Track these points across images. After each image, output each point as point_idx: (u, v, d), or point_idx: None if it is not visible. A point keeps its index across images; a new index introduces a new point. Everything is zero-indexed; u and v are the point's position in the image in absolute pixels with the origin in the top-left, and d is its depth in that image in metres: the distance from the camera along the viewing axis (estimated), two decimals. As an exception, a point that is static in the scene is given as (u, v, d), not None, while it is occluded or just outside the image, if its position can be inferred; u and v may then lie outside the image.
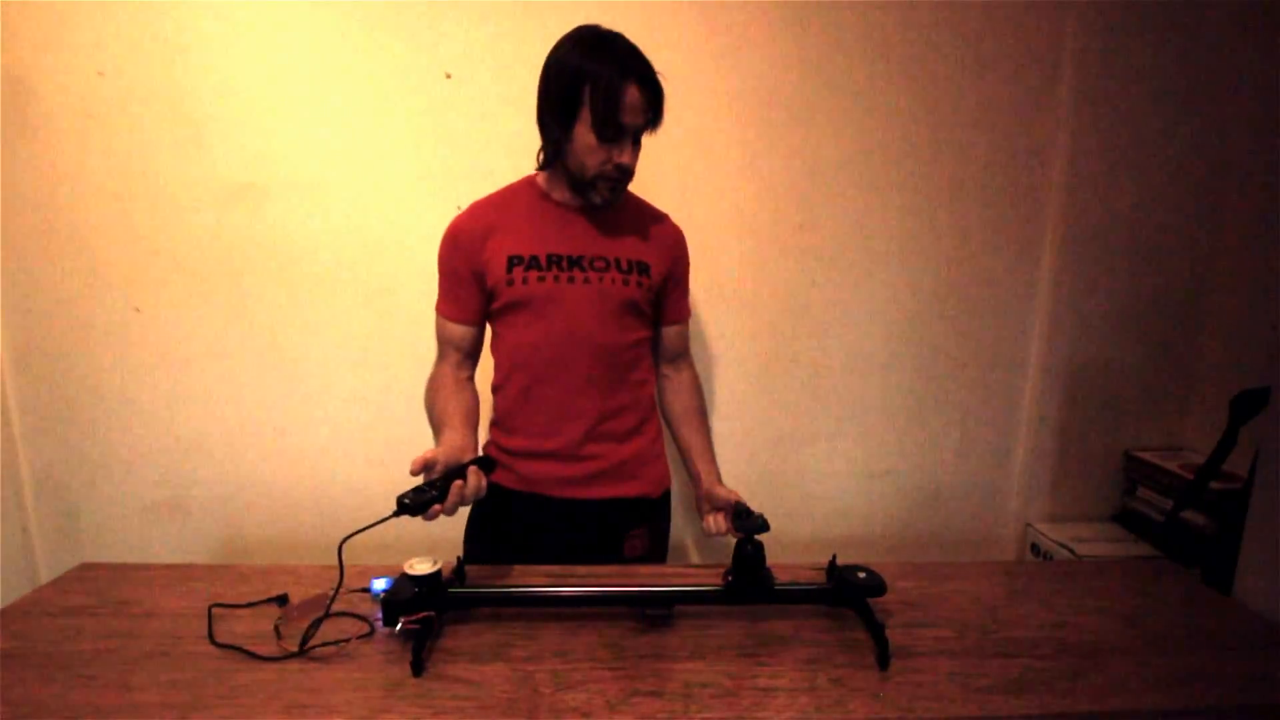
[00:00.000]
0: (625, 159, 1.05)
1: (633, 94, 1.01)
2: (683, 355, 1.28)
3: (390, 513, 0.84)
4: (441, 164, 1.58)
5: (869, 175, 1.65)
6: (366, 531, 0.85)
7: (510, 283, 1.10)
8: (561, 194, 1.13)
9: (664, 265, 1.18)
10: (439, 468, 0.90)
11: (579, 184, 1.09)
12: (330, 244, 1.61)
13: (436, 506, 0.87)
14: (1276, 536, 1.03)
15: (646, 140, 1.14)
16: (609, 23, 1.07)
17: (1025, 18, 1.59)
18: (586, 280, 1.10)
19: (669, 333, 1.24)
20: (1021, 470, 1.82)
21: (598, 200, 1.09)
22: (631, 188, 1.22)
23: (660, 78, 1.05)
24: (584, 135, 1.03)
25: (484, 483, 0.94)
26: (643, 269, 1.14)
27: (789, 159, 1.63)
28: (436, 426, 1.11)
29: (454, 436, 1.02)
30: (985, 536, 1.85)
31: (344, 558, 0.88)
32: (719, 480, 1.16)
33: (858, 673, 0.83)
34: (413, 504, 0.84)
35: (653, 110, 1.05)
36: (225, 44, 1.51)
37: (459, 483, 0.89)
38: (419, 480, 0.89)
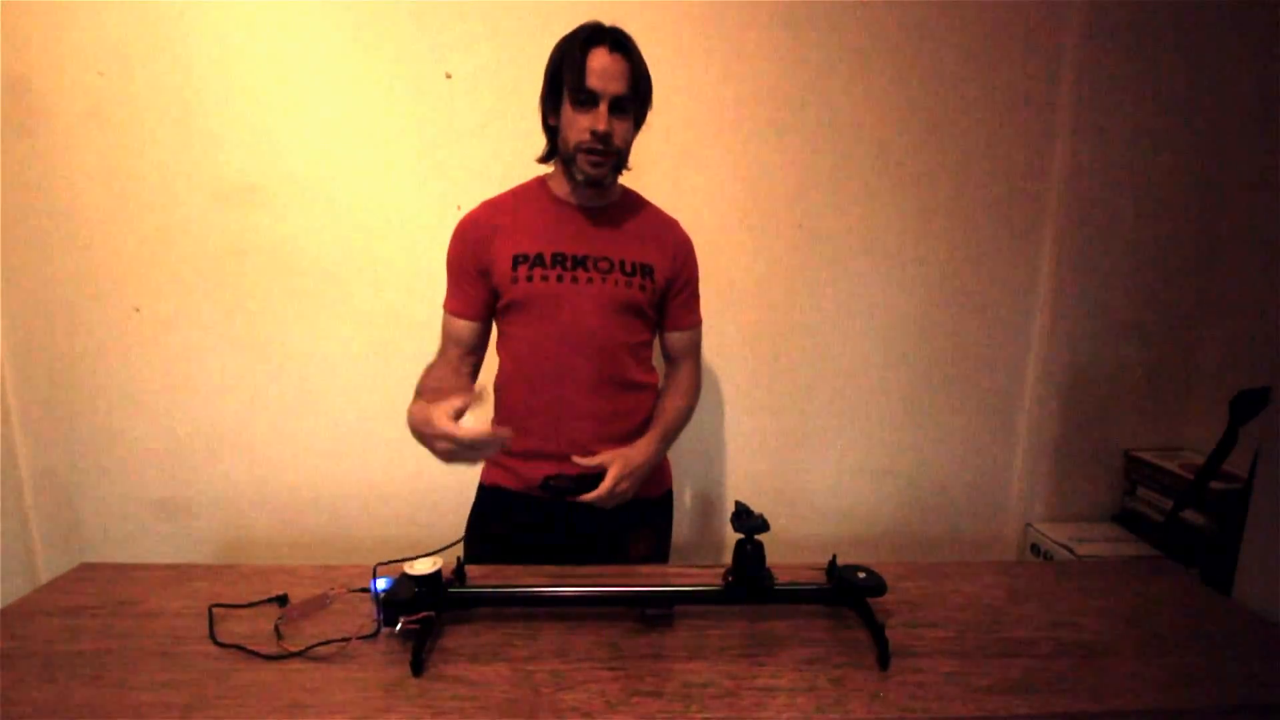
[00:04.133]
0: (600, 125, 1.03)
1: (599, 57, 1.02)
2: (683, 356, 1.26)
3: (542, 486, 1.02)
4: (441, 164, 1.58)
5: (869, 176, 1.65)
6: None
7: (515, 281, 1.10)
8: (568, 192, 1.14)
9: (668, 269, 1.17)
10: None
11: (568, 166, 1.09)
12: (330, 244, 1.61)
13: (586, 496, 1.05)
14: (1276, 536, 1.03)
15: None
16: (609, 23, 1.07)
17: (1025, 18, 1.59)
18: (590, 280, 1.10)
19: (671, 338, 1.24)
20: (1021, 470, 1.82)
21: (579, 177, 1.08)
22: (633, 188, 1.22)
23: (640, 54, 1.06)
24: (567, 111, 1.06)
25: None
26: (646, 271, 1.14)
27: (788, 160, 1.63)
28: (420, 391, 1.07)
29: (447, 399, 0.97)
30: (985, 536, 1.85)
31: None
32: (634, 452, 1.11)
33: (858, 673, 0.83)
34: (554, 488, 1.01)
35: (632, 80, 1.04)
36: (225, 44, 1.51)
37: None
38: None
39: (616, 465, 1.07)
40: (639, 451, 1.12)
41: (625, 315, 1.13)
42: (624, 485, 1.08)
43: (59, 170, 1.55)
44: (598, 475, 1.06)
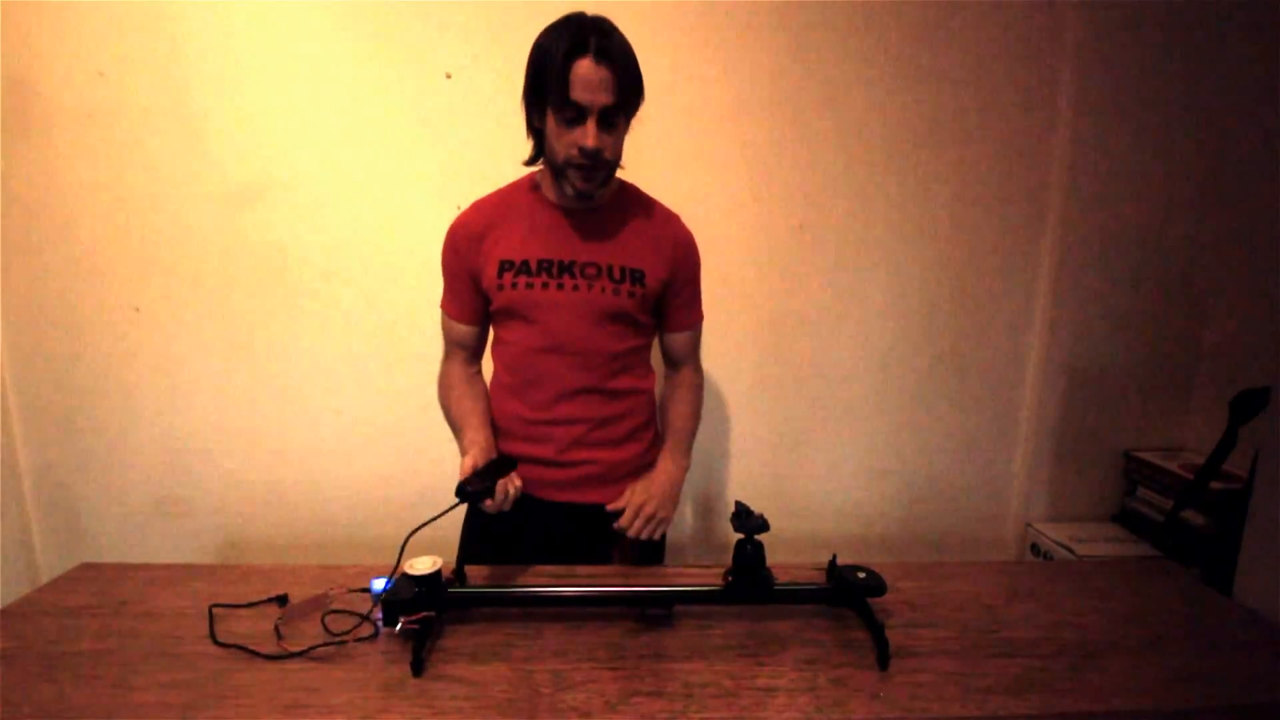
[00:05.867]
0: (588, 142, 0.98)
1: (584, 69, 0.95)
2: (685, 360, 1.23)
3: (453, 504, 0.92)
4: (441, 164, 1.58)
5: (869, 176, 1.65)
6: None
7: (500, 288, 1.09)
8: (556, 194, 1.10)
9: (662, 272, 1.12)
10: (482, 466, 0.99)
11: (558, 178, 1.05)
12: (330, 244, 1.61)
13: (489, 501, 0.96)
14: (1276, 536, 1.03)
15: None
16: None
17: (1025, 18, 1.59)
18: (575, 288, 1.08)
19: (671, 339, 1.21)
20: (1021, 470, 1.82)
21: (570, 191, 1.04)
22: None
23: (626, 52, 0.99)
24: (551, 121, 1.01)
25: (519, 484, 1.02)
26: (636, 277, 1.10)
27: (789, 160, 1.63)
28: (456, 426, 1.14)
29: (478, 436, 1.09)
30: (985, 536, 1.85)
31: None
32: (657, 479, 1.17)
33: (858, 673, 0.83)
34: (472, 493, 0.92)
35: (620, 90, 0.97)
36: (225, 44, 1.51)
37: (503, 481, 0.98)
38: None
39: (636, 494, 1.13)
40: (658, 474, 1.17)
41: (612, 324, 1.10)
42: (649, 508, 1.12)
43: (59, 171, 1.55)
44: (513, 467, 1.03)
